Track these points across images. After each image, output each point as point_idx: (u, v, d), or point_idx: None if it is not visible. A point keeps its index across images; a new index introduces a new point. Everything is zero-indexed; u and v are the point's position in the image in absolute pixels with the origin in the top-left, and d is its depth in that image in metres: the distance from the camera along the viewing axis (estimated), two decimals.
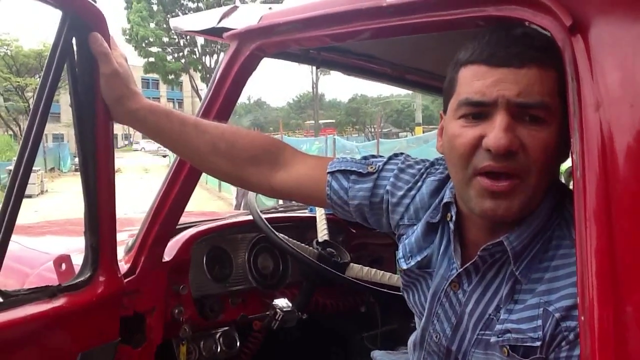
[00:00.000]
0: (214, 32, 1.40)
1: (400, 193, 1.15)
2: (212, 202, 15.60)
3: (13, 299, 1.18)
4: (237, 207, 11.93)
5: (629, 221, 0.71)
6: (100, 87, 1.20)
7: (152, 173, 23.94)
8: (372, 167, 1.19)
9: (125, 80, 1.21)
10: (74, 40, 1.18)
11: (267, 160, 1.24)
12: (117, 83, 1.20)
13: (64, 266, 1.31)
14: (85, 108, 1.22)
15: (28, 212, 11.47)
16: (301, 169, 1.24)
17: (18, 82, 34.24)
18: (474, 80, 0.91)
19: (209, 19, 1.41)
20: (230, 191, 13.52)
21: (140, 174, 25.70)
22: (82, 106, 1.22)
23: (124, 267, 1.48)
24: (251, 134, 1.30)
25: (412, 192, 1.14)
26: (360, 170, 1.19)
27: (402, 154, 1.22)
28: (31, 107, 1.20)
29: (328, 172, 1.21)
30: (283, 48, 1.31)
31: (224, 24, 1.36)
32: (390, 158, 1.20)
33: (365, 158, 1.23)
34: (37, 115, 1.14)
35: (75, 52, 1.19)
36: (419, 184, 1.14)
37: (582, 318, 0.74)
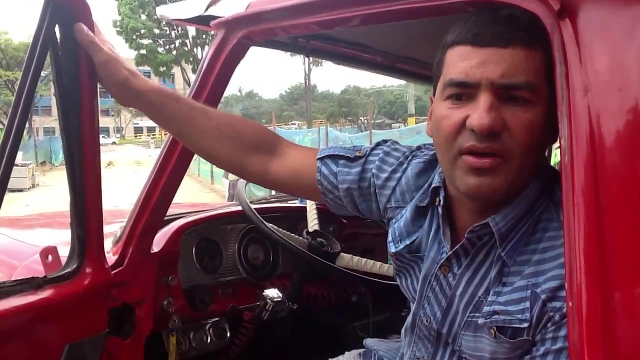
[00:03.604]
0: (201, 21, 1.39)
1: (385, 175, 1.17)
2: (205, 194, 15.60)
3: None
4: (230, 199, 11.93)
5: (617, 205, 0.71)
6: (99, 76, 1.19)
7: (144, 166, 23.84)
8: (359, 152, 1.21)
9: (122, 63, 1.19)
10: (57, 29, 1.16)
11: (267, 148, 1.26)
12: (116, 66, 1.18)
13: (50, 258, 1.30)
14: (70, 98, 1.21)
15: (19, 206, 11.45)
16: (295, 157, 1.26)
17: (8, 75, 34.05)
18: (459, 61, 0.91)
19: (196, 7, 1.39)
20: (223, 183, 13.51)
21: (133, 167, 25.61)
22: (67, 96, 1.20)
23: (112, 258, 1.47)
24: (253, 123, 1.33)
25: (397, 175, 1.16)
26: (349, 155, 1.21)
27: (389, 140, 1.24)
28: None
29: (318, 158, 1.23)
30: (271, 36, 1.30)
31: (211, 11, 1.34)
32: (378, 143, 1.22)
33: (354, 146, 1.25)
34: (19, 107, 1.13)
35: (59, 41, 1.18)
36: (404, 166, 1.16)
37: (570, 304, 0.74)
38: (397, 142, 1.22)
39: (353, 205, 1.23)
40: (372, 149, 1.21)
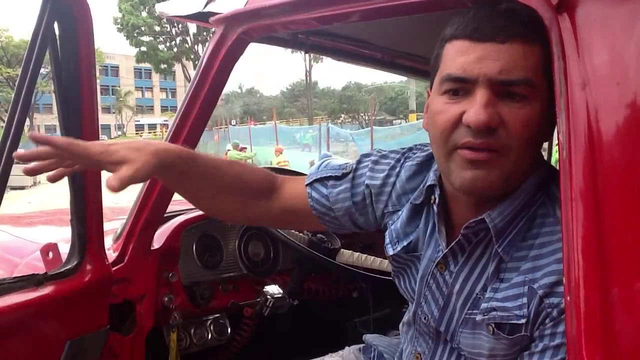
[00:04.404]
0: (200, 17, 1.38)
1: (379, 182, 1.16)
2: None
3: None
4: None
5: (615, 201, 0.71)
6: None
7: None
8: (346, 169, 1.21)
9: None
10: (56, 25, 1.16)
11: (268, 192, 1.24)
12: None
13: (51, 254, 1.30)
14: (70, 95, 1.21)
15: (21, 204, 11.46)
16: (287, 191, 1.25)
17: (9, 73, 34.06)
18: (457, 56, 0.90)
19: (195, 3, 1.39)
20: None
21: None
22: (67, 93, 1.21)
23: (112, 255, 1.47)
24: (257, 169, 1.30)
25: (391, 179, 1.15)
26: (336, 174, 1.21)
27: (373, 151, 1.23)
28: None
29: (306, 185, 1.23)
30: (270, 32, 1.30)
31: (210, 8, 1.34)
32: (362, 156, 1.23)
33: (339, 164, 1.25)
34: (19, 104, 1.13)
35: (58, 38, 1.17)
36: (397, 170, 1.15)
37: (568, 298, 0.74)
38: (382, 150, 1.22)
39: (352, 223, 1.23)
40: (358, 162, 1.21)
